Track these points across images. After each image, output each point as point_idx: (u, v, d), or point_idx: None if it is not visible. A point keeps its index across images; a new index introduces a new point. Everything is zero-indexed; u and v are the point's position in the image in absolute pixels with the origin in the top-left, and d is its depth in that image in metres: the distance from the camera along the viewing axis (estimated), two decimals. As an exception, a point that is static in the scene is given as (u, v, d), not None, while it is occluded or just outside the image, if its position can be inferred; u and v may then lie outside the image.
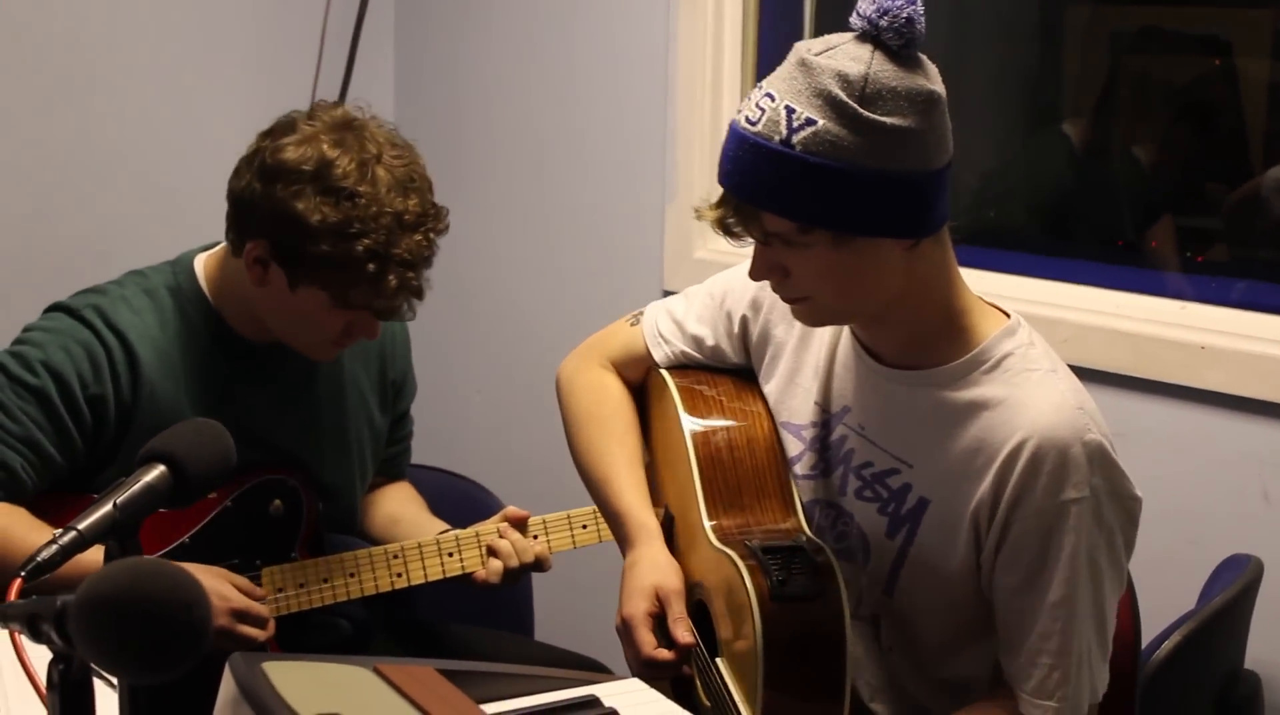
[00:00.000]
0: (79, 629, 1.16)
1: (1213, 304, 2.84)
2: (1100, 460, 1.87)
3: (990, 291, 2.15)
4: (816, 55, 1.81)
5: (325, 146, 2.14)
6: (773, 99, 1.81)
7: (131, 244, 2.75)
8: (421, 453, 2.75)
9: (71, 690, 1.22)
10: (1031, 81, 3.74)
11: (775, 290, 1.93)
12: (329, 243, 2.12)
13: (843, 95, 1.77)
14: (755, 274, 1.91)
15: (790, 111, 1.79)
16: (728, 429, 2.10)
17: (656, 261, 3.44)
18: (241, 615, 2.17)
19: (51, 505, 2.19)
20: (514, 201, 3.74)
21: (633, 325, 2.25)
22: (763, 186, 1.82)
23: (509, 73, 3.71)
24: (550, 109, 3.65)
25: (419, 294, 2.21)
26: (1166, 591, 2.36)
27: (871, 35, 1.80)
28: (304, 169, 2.12)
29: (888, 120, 1.78)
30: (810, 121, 1.78)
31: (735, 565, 1.92)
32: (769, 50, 3.35)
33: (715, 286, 2.19)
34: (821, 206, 1.81)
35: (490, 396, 3.84)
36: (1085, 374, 2.68)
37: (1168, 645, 2.20)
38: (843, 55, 1.80)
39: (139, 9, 3.44)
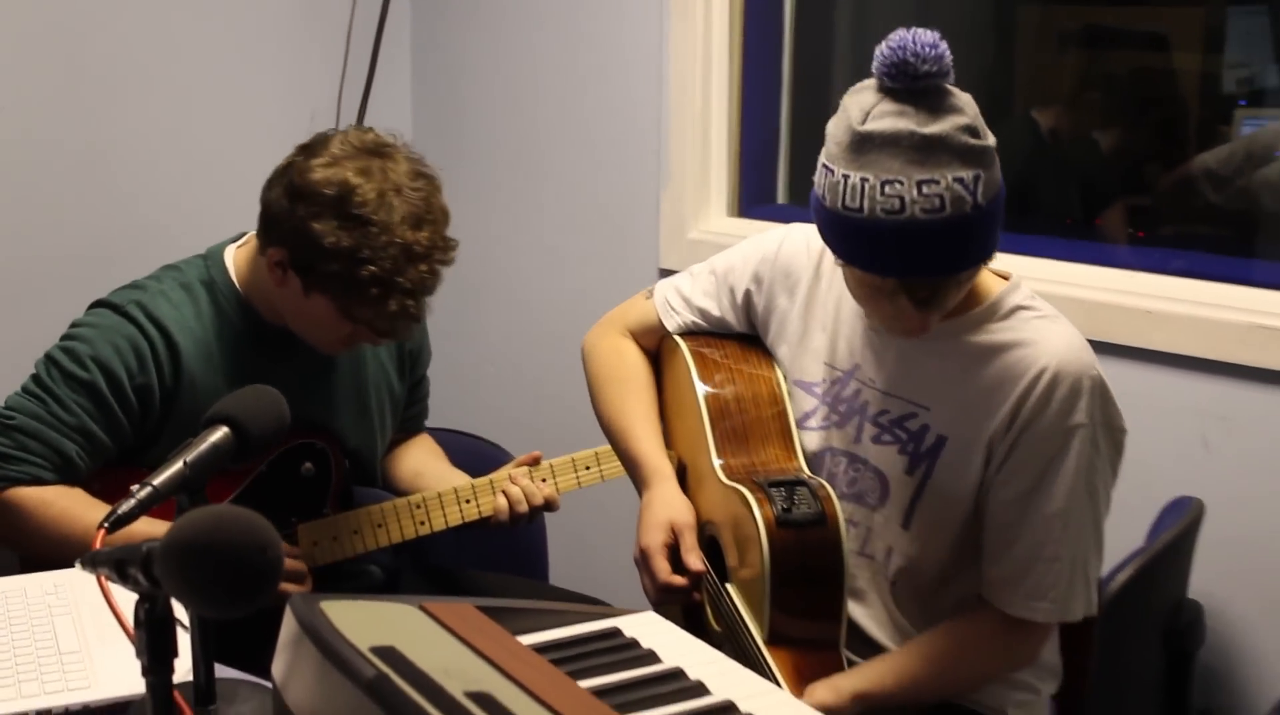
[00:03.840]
0: (166, 569, 1.19)
1: (1156, 273, 2.85)
2: (1101, 394, 1.92)
3: None
4: (928, 125, 1.75)
5: (350, 173, 2.11)
6: (936, 185, 1.74)
7: (167, 238, 2.72)
8: (441, 417, 2.76)
9: (157, 626, 1.25)
10: (987, 75, 3.76)
11: (912, 336, 1.93)
12: (339, 264, 2.11)
13: (973, 141, 1.76)
14: (912, 333, 1.91)
15: (960, 181, 1.74)
16: (734, 384, 2.12)
17: (653, 242, 3.45)
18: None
19: (101, 481, 2.21)
20: (521, 190, 3.74)
21: (647, 299, 2.28)
22: (966, 249, 1.81)
23: (515, 72, 3.72)
24: (553, 104, 3.66)
25: (417, 319, 2.20)
26: (1119, 530, 2.37)
27: (932, 82, 1.78)
28: (326, 193, 2.10)
29: (990, 143, 1.79)
30: (976, 176, 1.76)
31: (744, 497, 1.95)
32: (754, 45, 3.37)
33: (718, 265, 2.21)
34: (998, 231, 1.84)
35: (502, 367, 3.85)
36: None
37: (1120, 578, 2.22)
38: (941, 106, 1.77)
39: (178, 26, 3.44)
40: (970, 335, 1.95)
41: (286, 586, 2.16)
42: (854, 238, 1.81)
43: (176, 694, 1.29)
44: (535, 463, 2.43)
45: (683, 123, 3.38)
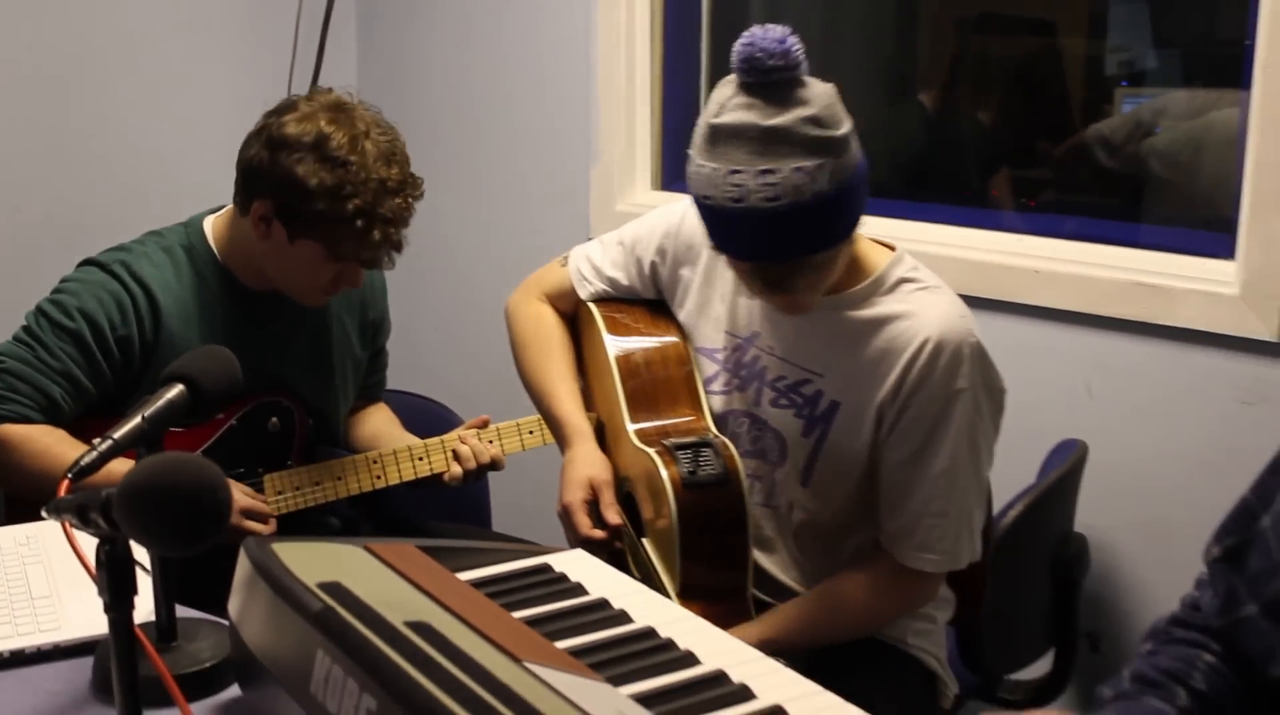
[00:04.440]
0: (123, 512, 1.17)
1: (1048, 237, 2.87)
2: (980, 359, 1.91)
3: (865, 233, 2.19)
4: (770, 118, 1.74)
5: (322, 122, 2.14)
6: (774, 174, 1.73)
7: (141, 209, 2.75)
8: (395, 380, 2.76)
9: (117, 566, 1.24)
10: (891, 60, 3.77)
11: (789, 313, 1.93)
12: (325, 202, 2.12)
13: (819, 132, 1.74)
14: (790, 310, 1.92)
15: (800, 170, 1.73)
16: (645, 348, 2.11)
17: (584, 215, 3.45)
18: (247, 513, 2.19)
19: (84, 427, 2.20)
20: (463, 169, 3.73)
21: (562, 267, 2.25)
22: (811, 235, 1.79)
23: (456, 61, 3.71)
24: (491, 90, 3.65)
25: (399, 247, 2.22)
26: (1010, 471, 2.39)
27: (787, 77, 1.76)
28: (304, 140, 2.13)
29: (840, 133, 1.77)
30: (819, 165, 1.73)
31: (653, 460, 1.94)
32: (673, 32, 3.37)
33: (626, 236, 2.19)
34: (847, 224, 1.83)
35: (446, 332, 3.85)
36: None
37: (1012, 514, 2.25)
38: (785, 100, 1.75)
39: (139, 15, 3.46)
40: (858, 308, 1.94)
41: (251, 526, 2.17)
42: (709, 222, 1.83)
43: (138, 630, 1.27)
44: (484, 425, 2.44)
45: (609, 105, 3.38)
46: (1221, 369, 2.54)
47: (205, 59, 3.59)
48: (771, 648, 1.86)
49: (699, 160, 1.79)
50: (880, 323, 1.93)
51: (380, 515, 2.60)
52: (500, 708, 1.11)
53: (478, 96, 3.68)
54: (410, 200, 2.21)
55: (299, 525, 2.35)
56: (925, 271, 1.98)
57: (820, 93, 1.78)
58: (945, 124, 3.51)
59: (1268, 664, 1.32)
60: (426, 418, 2.72)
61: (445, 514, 2.69)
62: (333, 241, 2.17)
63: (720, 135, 1.76)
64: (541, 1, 3.50)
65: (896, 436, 1.92)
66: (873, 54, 3.77)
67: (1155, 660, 1.38)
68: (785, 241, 1.78)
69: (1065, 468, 2.43)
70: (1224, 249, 2.60)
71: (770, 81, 1.75)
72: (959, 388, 1.88)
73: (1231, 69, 2.59)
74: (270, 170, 2.15)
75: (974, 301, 2.74)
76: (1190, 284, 2.59)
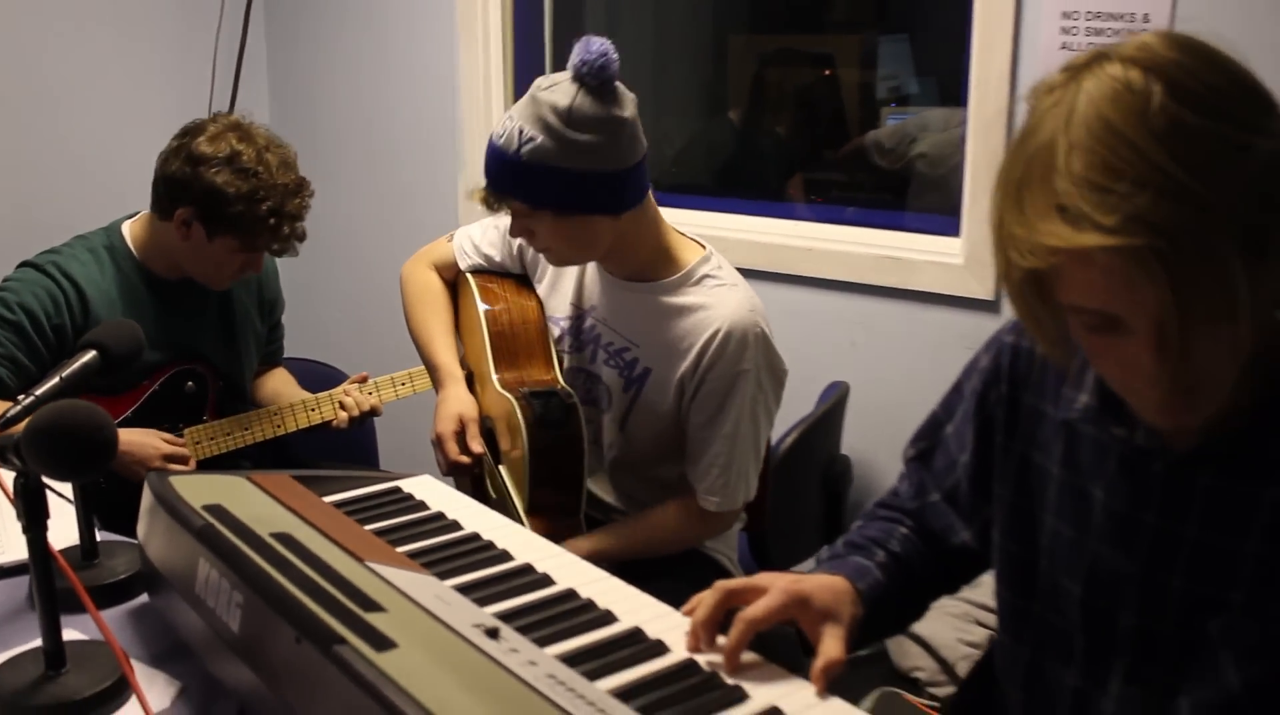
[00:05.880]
0: (28, 450, 1.17)
1: (828, 223, 2.92)
2: (763, 346, 1.91)
3: (687, 222, 2.21)
4: (542, 91, 1.80)
5: (232, 140, 2.14)
6: (512, 120, 1.81)
7: (70, 215, 2.68)
8: (296, 347, 2.74)
9: (30, 495, 1.23)
10: (706, 86, 3.81)
11: (529, 243, 1.95)
12: (242, 204, 2.12)
13: (554, 120, 1.77)
14: (514, 234, 1.93)
15: (520, 131, 1.79)
16: (509, 312, 2.10)
17: (453, 211, 3.44)
18: (169, 457, 2.17)
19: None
20: (356, 173, 3.69)
21: (448, 242, 2.24)
22: (506, 180, 1.84)
23: (348, 83, 3.66)
24: (377, 108, 3.61)
25: (302, 238, 2.23)
26: (792, 406, 2.43)
27: (578, 78, 1.79)
28: (220, 156, 2.12)
29: (583, 138, 1.77)
30: (532, 138, 1.78)
31: (512, 403, 1.94)
32: (521, 64, 3.36)
33: (500, 222, 2.17)
34: (541, 195, 1.82)
35: (340, 307, 3.81)
36: (745, 271, 2.76)
37: (790, 439, 2.29)
38: (558, 91, 1.79)
39: (78, 43, 3.35)
40: (669, 296, 1.95)
41: (174, 468, 2.15)
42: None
43: (52, 548, 1.26)
44: (364, 381, 2.43)
45: (471, 124, 3.37)
46: (952, 322, 2.62)
47: (134, 86, 3.49)
48: (597, 558, 1.87)
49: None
50: (685, 310, 1.93)
51: (283, 461, 2.58)
52: (337, 595, 1.13)
53: (368, 114, 3.64)
54: (306, 198, 2.21)
55: (216, 469, 2.31)
56: (728, 270, 1.98)
57: (600, 114, 1.79)
58: (750, 137, 3.55)
59: (947, 536, 1.40)
60: (320, 377, 2.70)
61: (341, 456, 2.68)
62: (250, 237, 2.16)
63: (531, 100, 1.82)
64: (419, 44, 3.46)
65: (695, 405, 1.93)
66: (693, 81, 3.81)
67: (863, 531, 1.42)
68: (505, 179, 1.84)
69: (831, 403, 2.48)
70: (953, 229, 2.68)
71: (583, 79, 1.79)
72: (744, 369, 1.89)
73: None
74: (193, 182, 2.13)
75: (767, 275, 2.84)
76: (928, 257, 2.67)
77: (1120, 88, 0.96)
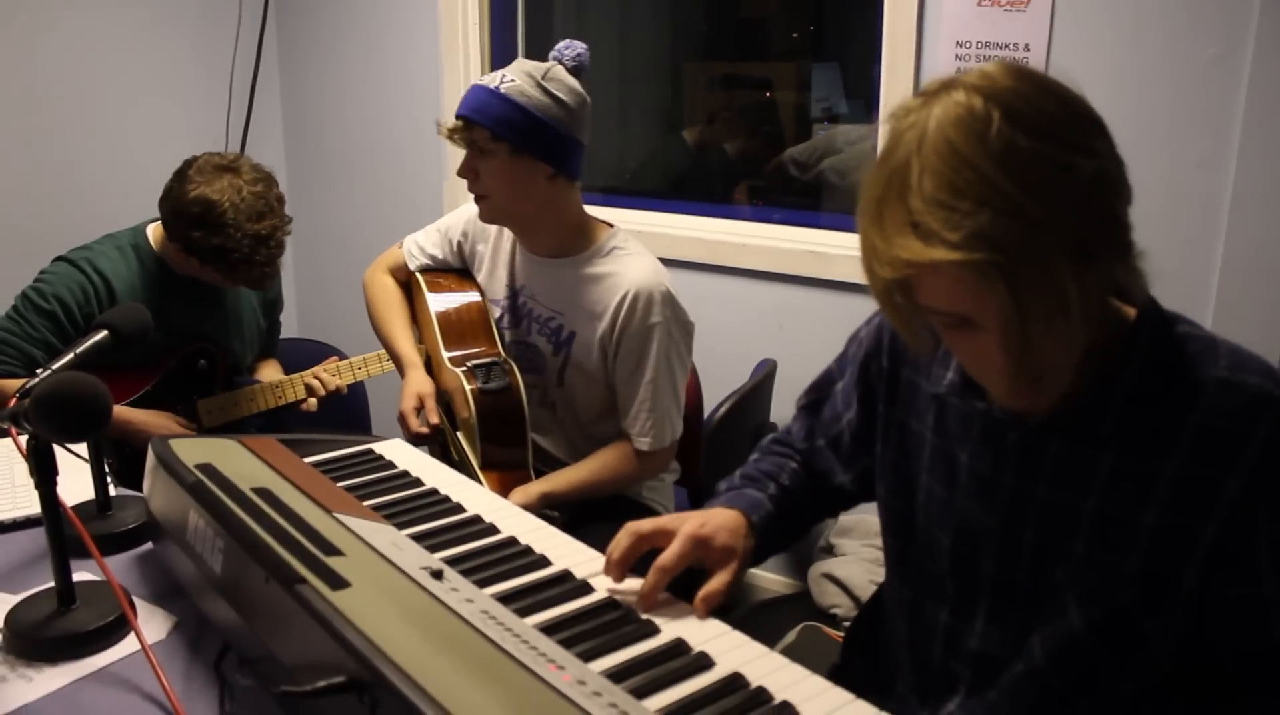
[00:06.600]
0: (35, 415, 1.16)
1: (762, 223, 2.91)
2: (669, 301, 1.92)
3: (642, 222, 2.19)
4: (526, 61, 1.88)
5: (208, 191, 2.07)
6: (514, 82, 1.85)
7: (99, 220, 2.64)
8: (303, 330, 2.71)
9: (40, 453, 1.21)
10: (664, 106, 3.79)
11: (470, 188, 1.93)
12: (213, 254, 2.09)
13: (535, 73, 1.84)
14: (461, 173, 1.92)
15: (504, 75, 1.85)
16: (454, 301, 2.09)
17: (439, 216, 3.36)
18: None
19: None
20: (353, 182, 3.65)
21: (399, 249, 2.23)
22: (479, 109, 1.84)
23: (347, 103, 3.63)
24: (371, 126, 3.58)
25: (275, 276, 2.18)
26: (726, 379, 2.45)
27: (558, 58, 1.87)
28: (194, 210, 2.06)
29: (556, 95, 1.83)
30: (513, 80, 1.84)
31: (460, 377, 1.94)
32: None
33: (441, 224, 2.18)
34: (506, 126, 1.83)
35: (344, 296, 3.77)
36: (687, 263, 2.76)
37: (724, 408, 2.28)
38: (540, 64, 1.87)
39: (107, 69, 3.31)
40: (585, 267, 1.95)
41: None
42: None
43: (61, 500, 1.25)
44: (329, 369, 2.42)
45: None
46: (865, 308, 2.52)
47: (160, 101, 3.45)
48: (548, 500, 1.89)
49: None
50: (599, 278, 1.94)
51: (283, 427, 2.56)
52: (304, 541, 1.12)
53: (365, 131, 3.60)
54: (282, 239, 2.13)
55: (224, 434, 2.30)
56: (634, 244, 1.98)
57: (570, 84, 1.87)
58: (701, 152, 3.54)
59: (828, 476, 1.40)
60: (324, 355, 2.67)
61: (337, 426, 2.64)
62: (227, 274, 2.14)
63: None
64: (408, 72, 3.44)
65: (618, 361, 1.94)
66: (651, 104, 3.79)
67: (758, 464, 1.42)
68: (476, 107, 1.85)
69: (761, 377, 2.47)
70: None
71: (565, 65, 1.88)
72: (654, 322, 1.90)
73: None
74: (174, 228, 2.10)
75: (709, 267, 2.84)
76: (843, 252, 2.67)
77: (964, 113, 0.94)
